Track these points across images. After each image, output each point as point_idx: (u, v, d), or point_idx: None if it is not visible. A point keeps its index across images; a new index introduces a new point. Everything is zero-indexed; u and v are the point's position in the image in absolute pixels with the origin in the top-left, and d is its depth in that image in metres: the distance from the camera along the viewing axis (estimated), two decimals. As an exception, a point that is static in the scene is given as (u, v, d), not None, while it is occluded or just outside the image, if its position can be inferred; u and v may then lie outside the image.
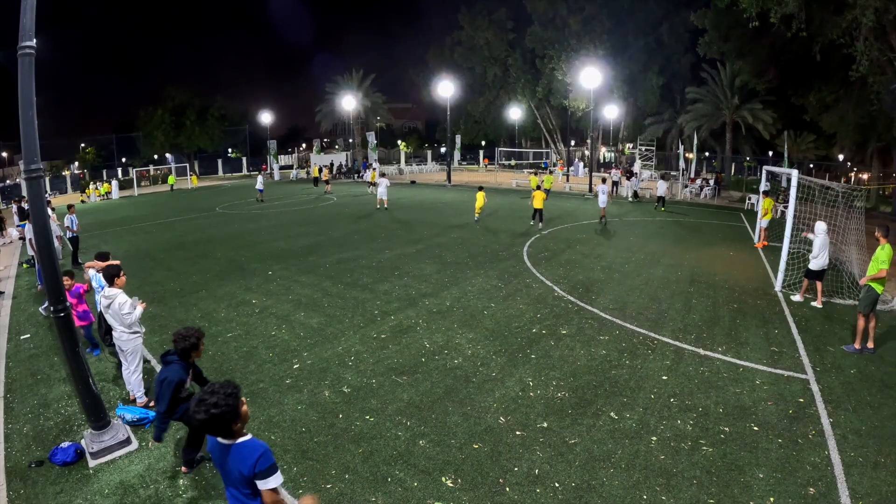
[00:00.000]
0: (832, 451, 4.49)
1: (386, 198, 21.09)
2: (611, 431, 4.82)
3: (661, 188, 20.73)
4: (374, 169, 31.57)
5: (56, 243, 12.38)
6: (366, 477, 4.22)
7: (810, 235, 8.81)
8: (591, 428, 4.88)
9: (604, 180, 17.60)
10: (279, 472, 2.42)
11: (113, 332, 5.39)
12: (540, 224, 16.04)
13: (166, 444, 4.74)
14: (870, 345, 6.61)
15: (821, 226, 8.66)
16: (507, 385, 5.73)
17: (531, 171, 36.80)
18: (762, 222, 13.38)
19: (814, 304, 8.59)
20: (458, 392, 5.59)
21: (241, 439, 2.43)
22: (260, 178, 27.05)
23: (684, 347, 6.73)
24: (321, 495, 3.97)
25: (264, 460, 2.37)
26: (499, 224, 16.79)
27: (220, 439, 2.44)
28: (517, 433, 4.80)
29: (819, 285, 8.64)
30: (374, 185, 22.54)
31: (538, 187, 17.35)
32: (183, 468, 4.30)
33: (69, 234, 12.53)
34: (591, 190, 26.41)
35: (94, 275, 6.56)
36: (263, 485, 2.37)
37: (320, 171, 32.65)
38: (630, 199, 23.22)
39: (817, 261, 8.50)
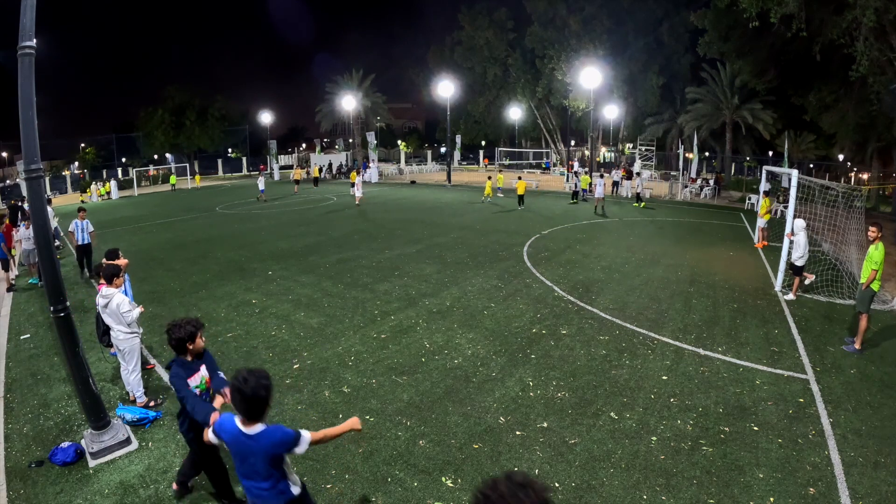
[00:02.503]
0: (832, 451, 4.49)
1: (360, 194, 22.70)
2: (611, 431, 4.81)
3: (637, 185, 21.76)
4: (354, 170, 32.17)
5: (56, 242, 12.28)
6: (366, 477, 4.21)
7: (793, 237, 8.96)
8: (591, 428, 4.88)
9: (602, 175, 20.73)
10: (302, 433, 2.67)
11: (111, 332, 5.39)
12: (521, 206, 20.43)
13: (166, 444, 4.74)
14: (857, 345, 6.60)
15: (800, 223, 8.87)
16: (507, 385, 5.73)
17: (502, 171, 37.68)
18: (762, 222, 13.41)
19: (788, 297, 8.79)
20: (458, 392, 5.59)
21: (265, 426, 2.62)
22: (262, 179, 27.22)
23: (684, 347, 6.72)
24: (321, 495, 3.97)
25: (290, 434, 2.62)
26: (498, 223, 16.81)
27: (244, 429, 2.59)
28: (517, 433, 4.80)
29: (797, 280, 8.89)
30: (354, 185, 23.46)
31: (519, 178, 21.41)
32: (174, 485, 4.06)
33: (79, 241, 10.89)
34: (589, 189, 26.36)
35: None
36: (301, 449, 2.65)
37: (321, 170, 32.72)
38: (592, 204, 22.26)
39: (803, 258, 8.79)
